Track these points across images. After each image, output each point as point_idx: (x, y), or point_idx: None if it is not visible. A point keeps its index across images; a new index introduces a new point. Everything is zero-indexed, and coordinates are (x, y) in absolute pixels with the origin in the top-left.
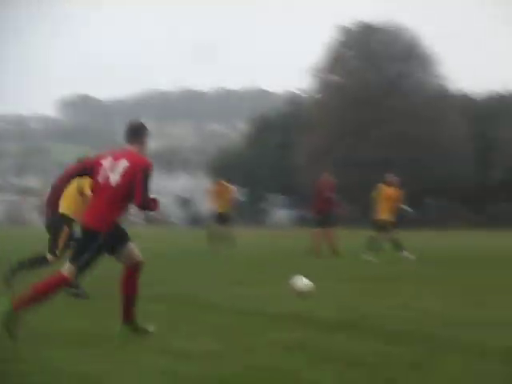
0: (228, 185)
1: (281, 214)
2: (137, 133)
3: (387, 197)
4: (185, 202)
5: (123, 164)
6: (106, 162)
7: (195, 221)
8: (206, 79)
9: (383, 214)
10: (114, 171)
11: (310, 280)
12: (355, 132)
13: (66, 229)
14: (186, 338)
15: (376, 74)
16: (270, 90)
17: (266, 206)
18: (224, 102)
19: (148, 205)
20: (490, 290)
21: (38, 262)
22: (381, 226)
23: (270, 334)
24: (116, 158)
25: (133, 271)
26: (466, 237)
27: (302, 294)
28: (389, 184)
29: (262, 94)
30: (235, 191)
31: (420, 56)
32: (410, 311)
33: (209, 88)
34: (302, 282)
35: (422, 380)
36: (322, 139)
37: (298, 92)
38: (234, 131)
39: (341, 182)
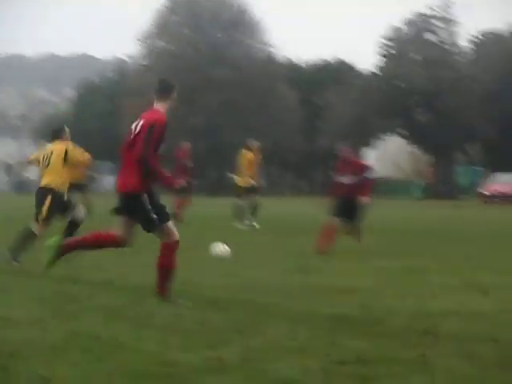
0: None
1: (109, 180)
2: (163, 90)
3: (248, 162)
4: (8, 168)
5: (140, 123)
6: (133, 124)
7: (20, 187)
8: (32, 45)
9: (245, 179)
10: (133, 132)
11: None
12: (184, 99)
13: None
14: (10, 306)
15: (204, 41)
16: (98, 56)
17: (94, 172)
18: (50, 68)
19: (148, 160)
20: (314, 256)
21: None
22: (243, 192)
23: (93, 301)
24: (139, 118)
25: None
26: (294, 204)
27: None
28: (249, 149)
29: (90, 61)
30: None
31: (248, 23)
32: (233, 278)
33: (35, 53)
34: (220, 248)
35: (246, 344)
36: (146, 107)
37: (125, 58)
38: (61, 98)
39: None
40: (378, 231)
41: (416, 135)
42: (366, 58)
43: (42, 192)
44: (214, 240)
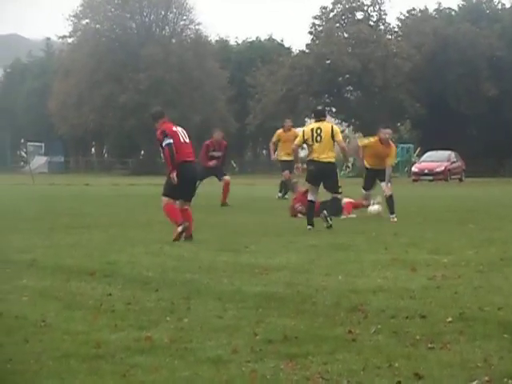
0: None
1: (39, 160)
2: None
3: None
4: None
5: None
6: None
7: None
8: None
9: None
10: None
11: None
12: (113, 78)
13: None
14: None
15: (133, 19)
16: (27, 36)
17: (25, 152)
18: None
19: None
20: (252, 235)
21: None
22: None
23: (19, 281)
24: None
25: None
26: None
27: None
28: None
29: (19, 41)
30: None
31: (178, 2)
32: (161, 258)
33: None
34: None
35: (175, 324)
36: (75, 85)
37: (54, 38)
38: None
39: (101, 128)
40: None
41: (345, 114)
42: (299, 37)
43: None
44: (138, 220)
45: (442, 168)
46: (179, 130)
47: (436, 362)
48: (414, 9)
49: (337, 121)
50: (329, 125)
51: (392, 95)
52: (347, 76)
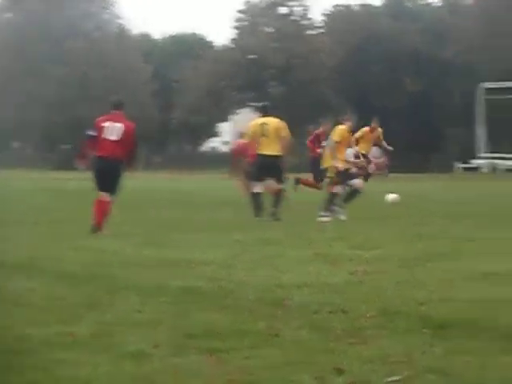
0: None
1: None
2: None
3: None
4: None
5: None
6: None
7: None
8: None
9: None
10: None
11: None
12: (34, 72)
13: None
14: None
15: (56, 13)
16: None
17: None
18: None
19: None
20: (172, 230)
21: None
22: None
23: None
24: None
25: None
26: (146, 178)
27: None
28: None
29: None
30: None
31: None
32: (84, 252)
33: None
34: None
35: (97, 318)
36: None
37: None
38: None
39: (22, 122)
40: (234, 204)
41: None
42: (223, 32)
43: None
44: (52, 215)
45: (364, 163)
46: (107, 125)
47: (357, 356)
48: (338, 4)
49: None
50: (275, 120)
51: (316, 90)
52: (271, 71)
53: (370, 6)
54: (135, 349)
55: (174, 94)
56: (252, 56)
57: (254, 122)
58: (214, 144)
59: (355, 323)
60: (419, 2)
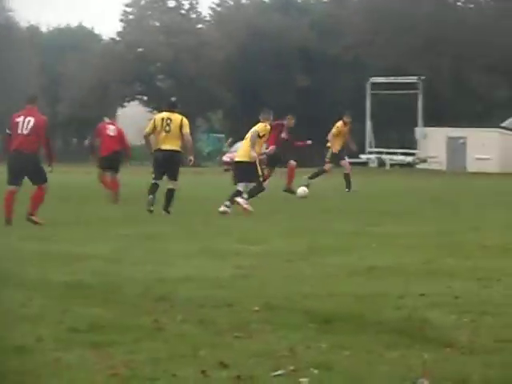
0: None
1: None
2: None
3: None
4: None
5: None
6: None
7: None
8: None
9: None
10: None
11: None
12: None
13: None
14: None
15: None
16: None
17: None
18: None
19: None
20: (58, 224)
21: None
22: None
23: None
24: None
25: None
26: None
27: None
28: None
29: None
30: None
31: None
32: None
33: None
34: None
35: None
36: None
37: None
38: None
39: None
40: (122, 199)
41: (157, 102)
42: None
43: None
44: None
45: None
46: (21, 120)
47: (242, 351)
48: None
49: (148, 109)
50: (179, 117)
51: (204, 84)
52: (159, 64)
53: (258, 0)
54: (18, 343)
55: (62, 88)
56: (139, 49)
57: (158, 116)
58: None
59: (240, 317)
60: None
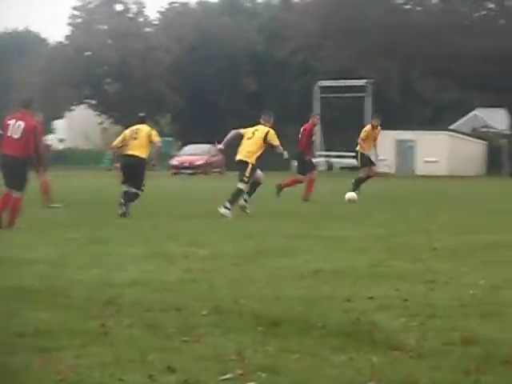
0: None
1: None
2: None
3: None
4: None
5: None
6: None
7: None
8: None
9: None
10: None
11: None
12: None
13: None
14: None
15: None
16: None
17: None
18: None
19: None
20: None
21: None
22: None
23: None
24: None
25: None
26: None
27: None
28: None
29: None
30: None
31: None
32: None
33: None
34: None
35: None
36: None
37: None
38: None
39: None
40: (68, 202)
41: (105, 106)
42: (58, 29)
43: None
44: None
45: (202, 161)
46: (12, 123)
47: (190, 355)
48: (174, 2)
49: (96, 113)
50: (148, 128)
51: (152, 88)
52: (106, 68)
53: (206, 3)
54: None
55: (10, 92)
56: (87, 53)
57: (127, 130)
58: (49, 141)
59: (188, 321)
60: (256, 1)
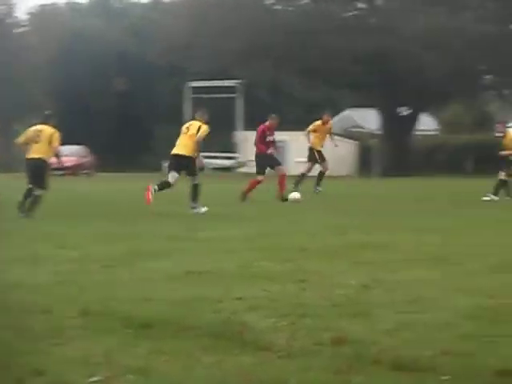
0: None
1: None
2: None
3: None
4: None
5: None
6: None
7: None
8: None
9: None
10: None
11: None
12: None
13: None
14: None
15: None
16: None
17: None
18: None
19: None
20: None
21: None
22: None
23: None
24: None
25: None
26: None
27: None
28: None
29: None
30: None
31: None
32: None
33: None
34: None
35: None
36: None
37: None
38: None
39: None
40: None
41: None
42: None
43: None
44: None
45: (72, 163)
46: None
47: (58, 357)
48: (44, 4)
49: None
50: (51, 130)
51: (22, 89)
52: None
53: (75, 3)
54: None
55: None
56: None
57: (31, 128)
58: None
59: (57, 324)
60: (126, 1)
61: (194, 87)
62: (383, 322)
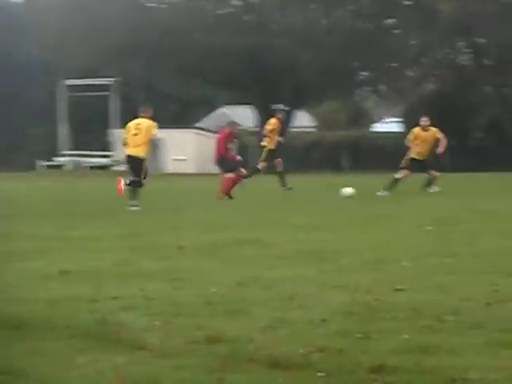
0: None
1: None
2: None
3: None
4: None
5: None
6: None
7: None
8: None
9: None
10: None
11: None
12: None
13: None
14: None
15: None
16: None
17: None
18: None
19: None
20: None
21: None
22: None
23: None
24: None
25: None
26: None
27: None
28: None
29: None
30: None
31: None
32: None
33: None
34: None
35: None
36: None
37: None
38: None
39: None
40: None
41: None
42: None
43: None
44: None
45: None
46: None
47: None
48: None
49: None
50: None
51: None
52: None
53: None
54: None
55: None
56: None
57: None
58: None
59: None
60: None
61: (69, 85)
62: (258, 319)
